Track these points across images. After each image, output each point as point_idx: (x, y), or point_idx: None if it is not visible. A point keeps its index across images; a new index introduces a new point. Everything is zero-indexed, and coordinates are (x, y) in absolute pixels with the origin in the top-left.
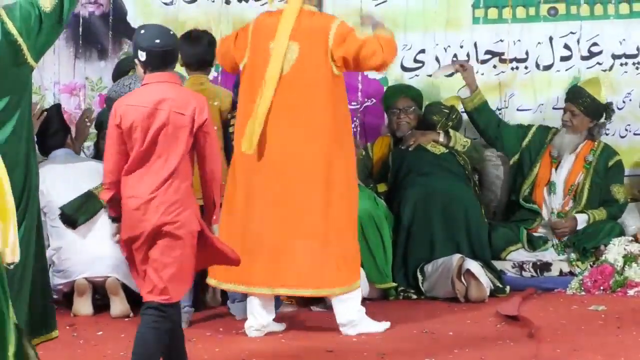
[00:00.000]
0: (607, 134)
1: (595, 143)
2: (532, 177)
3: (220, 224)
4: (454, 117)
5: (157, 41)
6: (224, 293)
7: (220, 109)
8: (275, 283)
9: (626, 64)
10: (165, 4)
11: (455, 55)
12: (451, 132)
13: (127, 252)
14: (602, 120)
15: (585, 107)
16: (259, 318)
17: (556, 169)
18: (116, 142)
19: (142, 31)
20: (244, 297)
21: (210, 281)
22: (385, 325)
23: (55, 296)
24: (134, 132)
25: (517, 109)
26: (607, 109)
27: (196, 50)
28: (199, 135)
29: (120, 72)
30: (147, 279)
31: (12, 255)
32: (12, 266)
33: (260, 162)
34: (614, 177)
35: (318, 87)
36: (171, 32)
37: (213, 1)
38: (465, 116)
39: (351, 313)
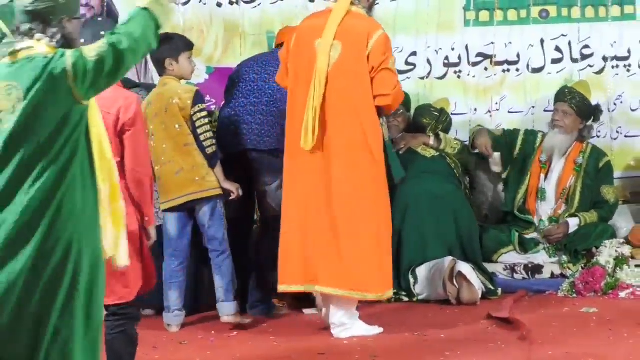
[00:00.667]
0: (598, 136)
1: (584, 145)
2: (524, 187)
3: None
4: (444, 119)
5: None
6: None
7: (179, 107)
8: (312, 280)
9: (617, 66)
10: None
11: (446, 58)
12: (441, 134)
13: None
14: (591, 122)
15: (578, 107)
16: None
17: (546, 175)
18: None
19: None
20: (181, 308)
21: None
22: (377, 330)
23: None
24: None
25: (509, 111)
26: (596, 110)
27: (152, 55)
28: (124, 134)
29: None
30: None
31: (121, 260)
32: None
33: (310, 159)
34: (604, 179)
35: (357, 86)
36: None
37: (205, 4)
38: (455, 119)
39: (345, 316)
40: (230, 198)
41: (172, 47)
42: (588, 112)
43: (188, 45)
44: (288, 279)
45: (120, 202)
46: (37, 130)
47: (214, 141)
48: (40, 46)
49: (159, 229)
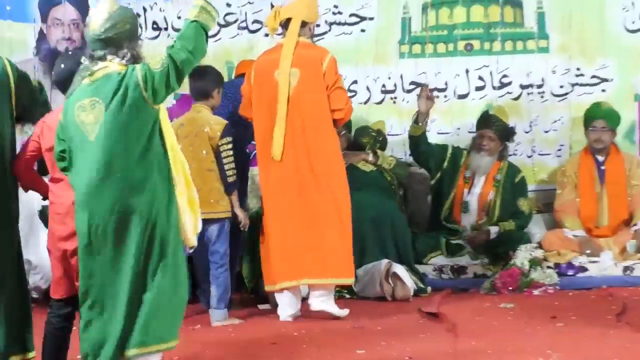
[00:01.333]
0: (515, 154)
1: (502, 163)
2: (450, 200)
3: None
4: (380, 139)
5: (53, 73)
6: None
7: (209, 135)
8: (299, 275)
9: (532, 93)
10: (150, 38)
11: (384, 85)
12: (379, 152)
13: None
14: (508, 143)
15: (500, 132)
16: (291, 308)
17: (469, 190)
18: None
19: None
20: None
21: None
22: (345, 312)
23: (35, 295)
24: None
25: (438, 132)
26: (512, 133)
27: (197, 83)
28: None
29: None
30: None
31: (193, 242)
32: (191, 250)
33: (282, 168)
34: (519, 192)
35: (318, 104)
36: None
37: (172, 37)
38: (391, 139)
39: (325, 294)
40: (240, 226)
41: (217, 79)
42: (507, 135)
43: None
44: (277, 279)
45: (194, 192)
46: (125, 135)
47: (235, 171)
48: (113, 66)
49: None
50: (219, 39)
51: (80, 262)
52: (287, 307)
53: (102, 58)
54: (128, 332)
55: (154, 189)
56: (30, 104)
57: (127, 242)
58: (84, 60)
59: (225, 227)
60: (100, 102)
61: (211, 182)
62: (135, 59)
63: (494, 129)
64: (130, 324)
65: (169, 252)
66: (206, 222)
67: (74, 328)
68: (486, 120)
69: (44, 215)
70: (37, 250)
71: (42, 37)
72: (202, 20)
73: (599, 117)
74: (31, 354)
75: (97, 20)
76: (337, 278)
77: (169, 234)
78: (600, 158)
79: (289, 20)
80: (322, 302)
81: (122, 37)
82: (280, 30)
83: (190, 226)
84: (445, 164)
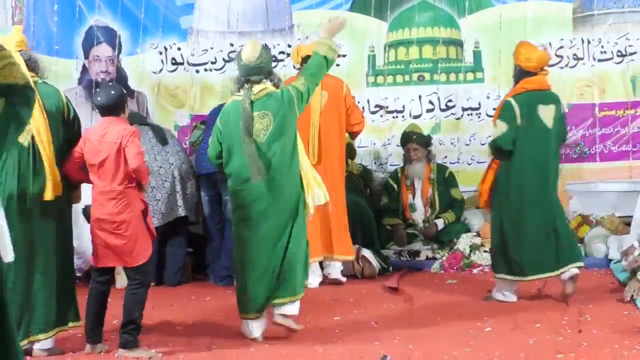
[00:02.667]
0: (458, 162)
1: (431, 165)
2: (401, 206)
3: None
4: (350, 150)
5: (99, 98)
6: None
7: None
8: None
9: (471, 114)
10: (154, 72)
11: None
12: (349, 161)
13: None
14: (431, 148)
15: (419, 142)
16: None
17: (413, 194)
18: None
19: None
20: None
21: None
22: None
23: (78, 274)
24: None
25: (397, 145)
26: (430, 139)
27: None
28: (124, 149)
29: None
30: None
31: (311, 211)
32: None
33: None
34: (451, 184)
35: (340, 119)
36: (111, 91)
37: (187, 70)
38: (359, 150)
39: (338, 267)
40: None
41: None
42: (427, 142)
43: None
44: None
45: (316, 173)
46: (283, 137)
47: None
48: (270, 87)
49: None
50: (224, 71)
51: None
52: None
53: (258, 82)
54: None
55: (297, 171)
56: (73, 123)
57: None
58: (236, 82)
59: None
60: (268, 114)
61: None
62: (277, 84)
63: (415, 140)
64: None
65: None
66: None
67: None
68: (407, 137)
69: (86, 212)
70: (80, 240)
71: (84, 70)
72: (329, 56)
73: None
74: (79, 323)
75: (250, 54)
76: (347, 255)
77: (300, 204)
78: None
79: (308, 56)
80: (334, 273)
81: (269, 66)
82: (298, 65)
83: (318, 196)
84: (395, 192)
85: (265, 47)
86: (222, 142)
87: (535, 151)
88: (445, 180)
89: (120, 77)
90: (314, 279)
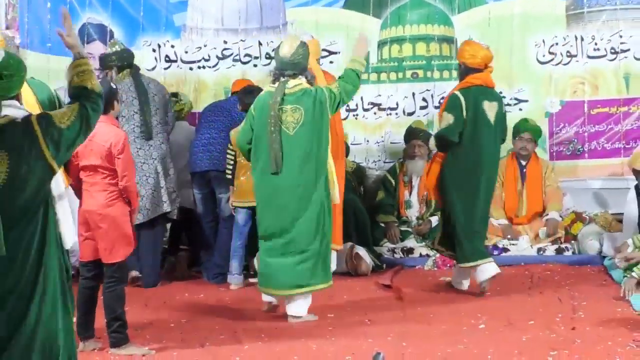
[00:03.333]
0: None
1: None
2: (397, 202)
3: None
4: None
5: None
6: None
7: None
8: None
9: None
10: (148, 69)
11: (347, 105)
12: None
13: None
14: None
15: (424, 139)
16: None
17: (410, 191)
18: None
19: None
20: (240, 273)
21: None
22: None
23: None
24: None
25: (391, 142)
26: (430, 138)
27: (246, 102)
28: (117, 159)
29: None
30: None
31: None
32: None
33: None
34: None
35: (333, 117)
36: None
37: (181, 68)
38: (353, 147)
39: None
40: None
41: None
42: (429, 140)
43: None
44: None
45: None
46: (313, 132)
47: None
48: (304, 83)
49: None
50: (218, 69)
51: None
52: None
53: (293, 76)
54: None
55: (326, 165)
56: None
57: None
58: (271, 75)
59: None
60: (300, 109)
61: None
62: (311, 81)
63: (421, 137)
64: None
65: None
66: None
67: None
68: (413, 133)
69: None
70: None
71: None
72: (358, 69)
73: (527, 130)
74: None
75: (287, 50)
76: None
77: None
78: (523, 162)
79: None
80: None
81: (304, 63)
82: None
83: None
84: (393, 187)
85: (303, 45)
86: (253, 129)
87: (480, 143)
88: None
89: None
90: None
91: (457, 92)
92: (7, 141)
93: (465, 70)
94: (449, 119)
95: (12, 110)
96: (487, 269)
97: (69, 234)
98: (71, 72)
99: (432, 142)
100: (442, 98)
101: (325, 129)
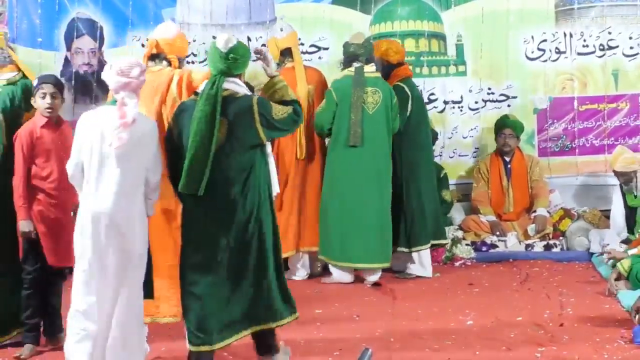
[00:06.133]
0: (440, 155)
1: None
2: None
3: None
4: None
5: None
6: None
7: None
8: None
9: (454, 107)
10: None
11: None
12: None
13: None
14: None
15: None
16: None
17: None
18: None
19: None
20: None
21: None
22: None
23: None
24: None
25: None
26: (435, 138)
27: None
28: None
29: None
30: None
31: None
32: None
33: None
34: (443, 185)
35: None
36: None
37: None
38: None
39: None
40: None
41: None
42: (434, 141)
43: None
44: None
45: None
46: (385, 117)
47: None
48: (374, 70)
49: None
50: (206, 64)
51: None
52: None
53: (366, 62)
54: None
55: (388, 148)
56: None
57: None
58: (343, 62)
59: None
60: (379, 91)
61: None
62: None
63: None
64: None
65: None
66: None
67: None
68: None
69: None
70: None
71: (66, 62)
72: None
73: (507, 126)
74: None
75: (359, 37)
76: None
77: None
78: (507, 159)
79: (287, 49)
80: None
81: (371, 52)
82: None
83: None
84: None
85: (369, 37)
86: (336, 108)
87: (423, 135)
88: (439, 180)
89: (103, 70)
90: (301, 272)
91: (401, 84)
92: (229, 110)
93: (389, 66)
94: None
95: (234, 86)
96: None
97: (276, 183)
98: (269, 90)
99: None
100: (432, 94)
101: (389, 122)
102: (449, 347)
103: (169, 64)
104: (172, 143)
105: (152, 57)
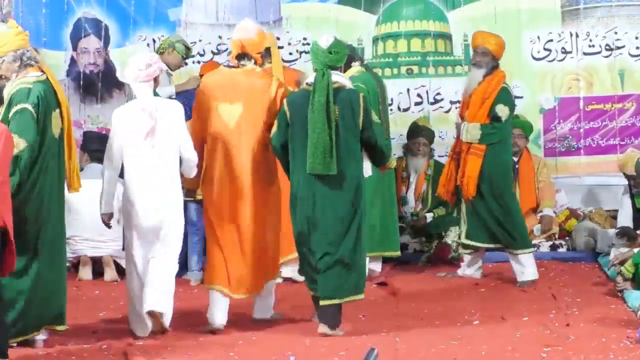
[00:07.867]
0: (446, 155)
1: (430, 161)
2: None
3: None
4: None
5: None
6: None
7: None
8: None
9: (458, 107)
10: None
11: None
12: None
13: None
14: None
15: (429, 137)
16: None
17: (407, 187)
18: None
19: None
20: (200, 269)
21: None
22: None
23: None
24: None
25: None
26: (434, 136)
27: None
28: None
29: None
30: None
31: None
32: None
33: None
34: None
35: None
36: None
37: None
38: None
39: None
40: None
41: None
42: (433, 138)
43: None
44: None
45: None
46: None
47: None
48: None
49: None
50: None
51: None
52: None
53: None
54: None
55: None
56: None
57: None
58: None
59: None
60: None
61: None
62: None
63: (424, 135)
64: None
65: None
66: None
67: None
68: (419, 130)
69: None
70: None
71: (72, 62)
72: None
73: (517, 126)
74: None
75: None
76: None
77: None
78: (515, 159)
79: (266, 49)
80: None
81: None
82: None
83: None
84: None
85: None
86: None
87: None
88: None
89: (109, 69)
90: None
91: (506, 85)
92: (339, 99)
93: (493, 62)
94: (507, 110)
95: (340, 78)
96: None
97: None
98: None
99: (473, 132)
100: (438, 94)
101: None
102: (454, 346)
103: (255, 62)
104: (284, 121)
105: (239, 57)
